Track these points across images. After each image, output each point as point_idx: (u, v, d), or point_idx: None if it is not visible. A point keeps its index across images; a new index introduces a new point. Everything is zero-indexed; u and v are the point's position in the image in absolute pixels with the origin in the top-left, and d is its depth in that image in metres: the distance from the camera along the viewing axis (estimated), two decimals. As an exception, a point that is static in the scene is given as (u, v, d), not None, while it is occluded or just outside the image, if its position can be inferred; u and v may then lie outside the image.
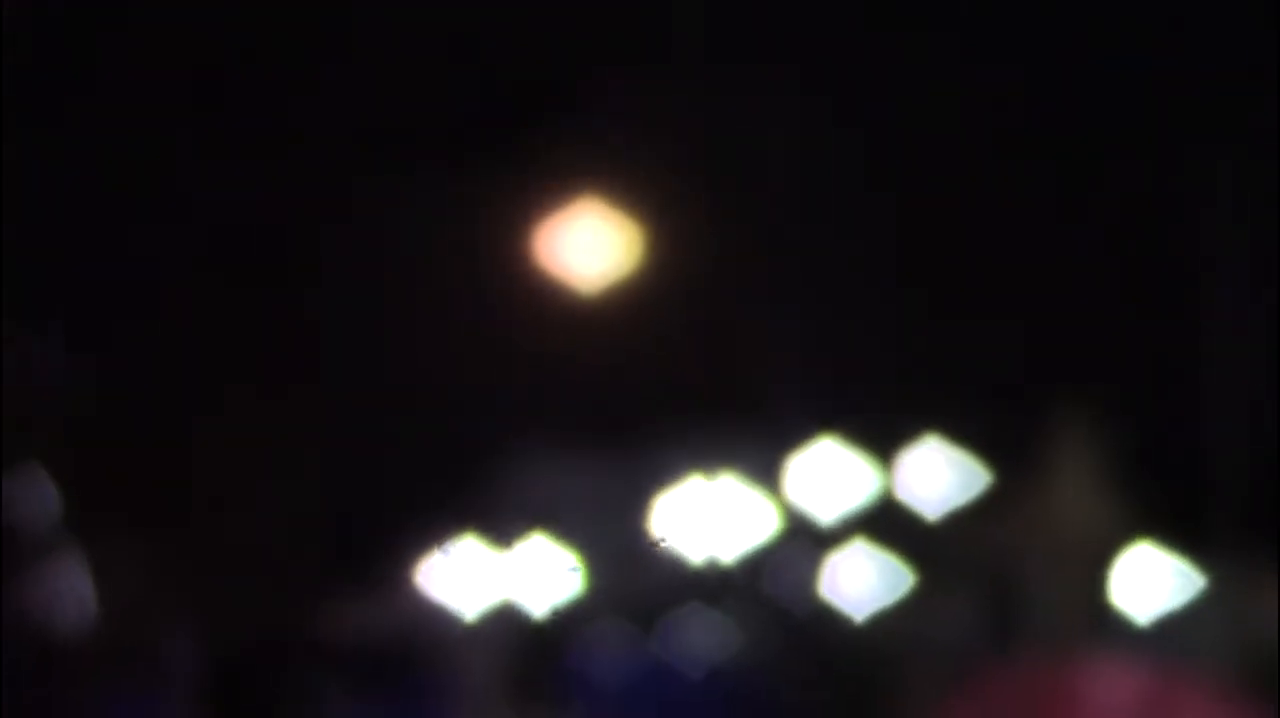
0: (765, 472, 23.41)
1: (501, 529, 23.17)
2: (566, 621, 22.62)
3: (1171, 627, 19.74)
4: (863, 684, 16.97)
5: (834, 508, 23.87)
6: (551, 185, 19.03)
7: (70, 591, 21.78)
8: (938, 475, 24.05)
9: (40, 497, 21.38)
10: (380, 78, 15.44)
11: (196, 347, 21.10)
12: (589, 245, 19.51)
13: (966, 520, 23.62)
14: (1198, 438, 23.20)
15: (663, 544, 23.57)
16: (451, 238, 19.28)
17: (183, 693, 17.87)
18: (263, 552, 20.76)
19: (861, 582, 24.16)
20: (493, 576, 22.79)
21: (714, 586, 23.77)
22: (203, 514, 20.83)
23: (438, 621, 21.69)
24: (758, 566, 24.14)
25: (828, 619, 23.33)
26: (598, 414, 23.97)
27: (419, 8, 15.22)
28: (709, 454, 23.09)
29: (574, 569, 23.44)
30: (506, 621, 21.56)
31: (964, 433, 23.61)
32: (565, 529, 23.81)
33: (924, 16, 21.54)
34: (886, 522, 24.28)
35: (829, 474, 23.66)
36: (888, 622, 23.00)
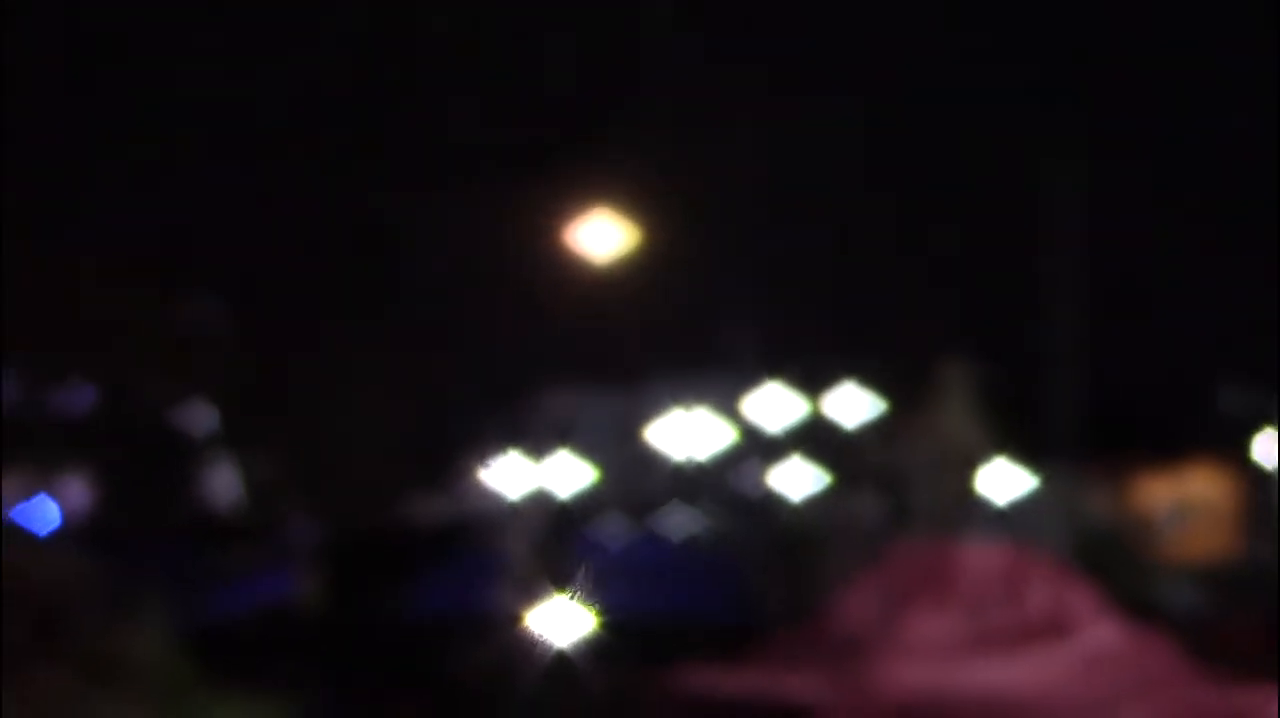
0: (729, 404, 23.67)
1: (537, 443, 23.31)
2: (581, 509, 22.81)
3: (1018, 517, 19.93)
4: (798, 555, 17.26)
5: (778, 429, 24.16)
6: (576, 194, 19.15)
7: (226, 486, 22.05)
8: (854, 407, 24.42)
9: (206, 418, 21.60)
10: (463, 113, 15.52)
11: (325, 308, 21.21)
12: (602, 238, 19.65)
13: (873, 439, 23.96)
14: (1038, 382, 23.66)
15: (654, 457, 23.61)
16: (505, 231, 19.34)
17: (305, 563, 17.99)
18: (365, 458, 20.82)
19: (797, 482, 24.48)
20: (529, 477, 22.92)
21: (690, 484, 24.02)
22: (322, 431, 20.89)
23: (491, 509, 21.80)
24: (722, 470, 24.44)
25: (773, 508, 23.64)
26: (607, 361, 24.23)
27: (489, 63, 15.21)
28: (688, 390, 23.34)
29: (587, 472, 23.67)
30: (539, 509, 21.68)
31: (873, 377, 24.05)
32: (582, 444, 24.06)
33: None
34: (816, 439, 24.60)
35: (775, 406, 23.91)
36: (816, 511, 23.24)
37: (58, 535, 16.90)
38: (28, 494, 18.98)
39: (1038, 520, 20.83)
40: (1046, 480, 22.37)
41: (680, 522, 23.47)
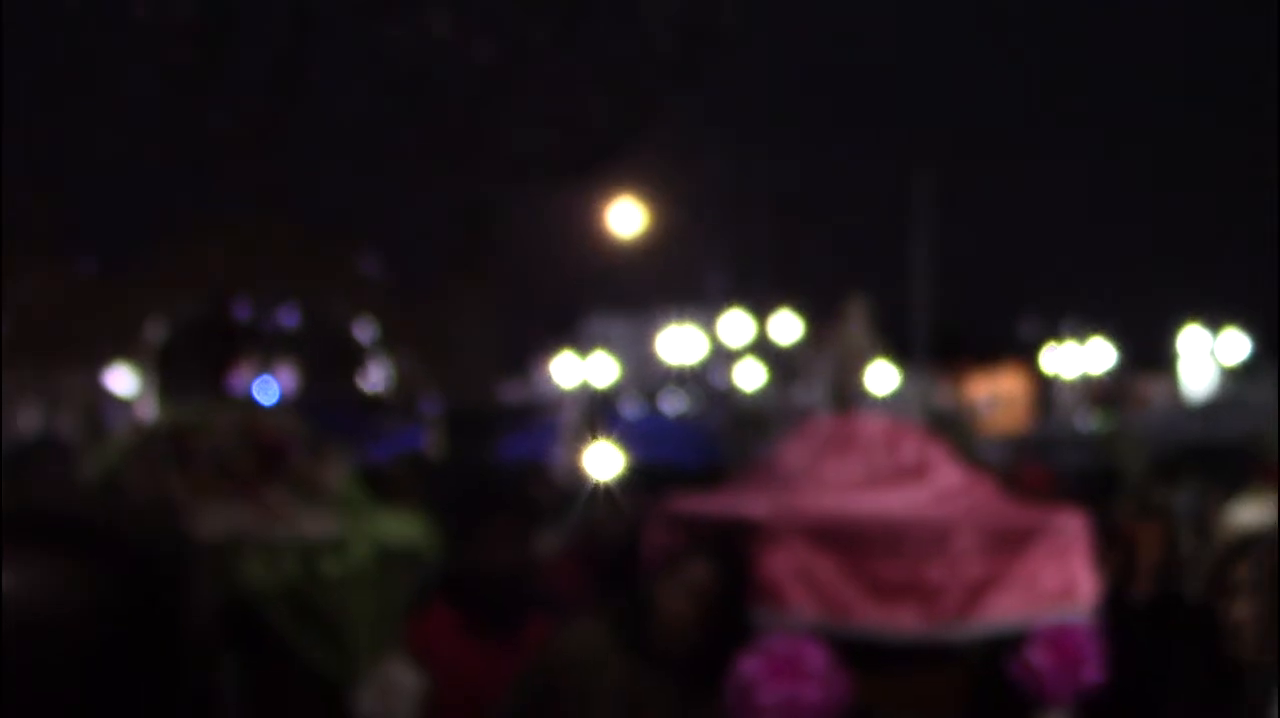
0: (707, 325, 23.68)
1: (581, 346, 23.28)
2: (611, 393, 22.88)
3: (892, 401, 19.80)
4: (756, 425, 17.17)
5: (738, 343, 24.20)
6: (609, 188, 18.96)
7: (381, 375, 22.18)
8: (789, 327, 24.41)
9: (370, 331, 21.74)
10: (534, 131, 15.15)
11: (446, 262, 21.17)
12: (626, 217, 19.45)
13: (804, 349, 23.98)
14: (905, 310, 23.66)
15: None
16: (562, 210, 19.20)
17: (432, 426, 17.97)
18: (471, 358, 20.78)
19: (752, 378, 24.57)
20: (578, 372, 22.83)
21: (681, 378, 24.12)
22: (443, 340, 20.87)
23: (553, 391, 21.80)
24: (702, 369, 24.52)
25: (737, 395, 23.73)
26: (629, 296, 24.26)
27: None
28: (681, 315, 23.31)
29: (614, 369, 23.71)
30: (583, 393, 21.61)
31: (800, 306, 24.02)
32: (611, 350, 24.06)
33: None
34: (763, 350, 24.66)
35: (736, 326, 23.90)
36: (767, 397, 23.34)
37: (277, 404, 16.95)
38: (257, 377, 19.19)
39: (904, 404, 20.89)
40: (908, 377, 22.55)
41: (675, 403, 23.60)
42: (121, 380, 18.84)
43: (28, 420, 15.96)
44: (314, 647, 3.01)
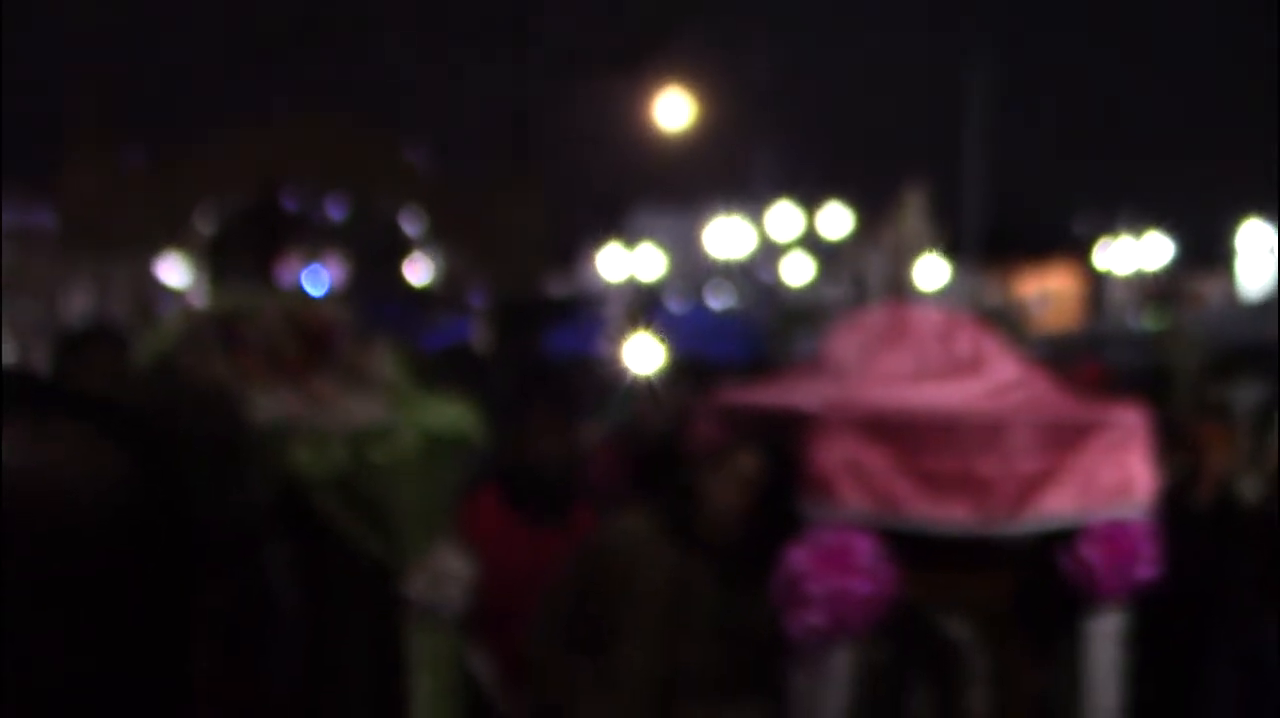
0: (755, 217, 23.50)
1: (628, 239, 23.21)
2: (657, 287, 22.84)
3: (943, 295, 19.61)
4: (804, 320, 17.04)
5: (786, 237, 24.03)
6: (657, 81, 18.75)
7: (430, 266, 22.25)
8: (838, 220, 24.19)
9: (418, 222, 21.74)
10: (584, 25, 15.02)
11: (493, 153, 21.10)
12: (673, 109, 19.23)
13: (849, 246, 23.79)
14: (959, 205, 23.31)
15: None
16: (611, 105, 19.07)
17: (480, 318, 18.02)
18: (519, 250, 20.81)
19: (800, 272, 24.44)
20: (625, 265, 22.80)
21: (728, 271, 24.01)
22: (491, 232, 20.88)
23: (600, 285, 21.82)
24: (750, 264, 24.41)
25: (784, 290, 23.63)
26: (677, 189, 24.07)
27: None
28: (728, 208, 23.15)
29: (661, 262, 23.64)
30: (629, 286, 21.61)
31: (851, 199, 23.78)
32: (660, 242, 23.97)
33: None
34: (811, 245, 24.46)
35: (787, 222, 23.72)
36: (812, 292, 23.20)
37: (325, 294, 17.07)
38: (306, 267, 19.34)
39: (954, 300, 20.70)
40: (958, 273, 22.28)
41: (722, 297, 23.50)
42: (173, 270, 18.99)
43: (80, 308, 16.16)
44: (364, 533, 3.04)
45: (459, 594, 3.07)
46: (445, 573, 3.07)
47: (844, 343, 3.49)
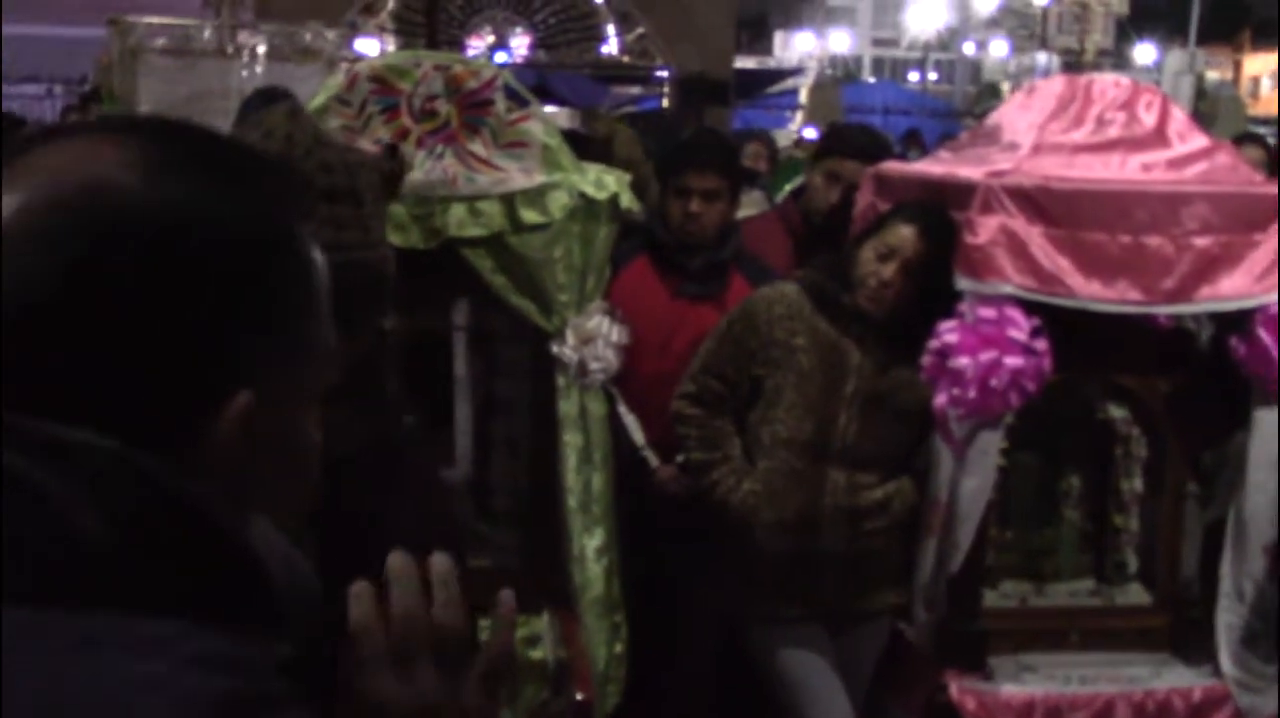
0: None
1: (823, 11, 22.37)
2: (851, 63, 22.06)
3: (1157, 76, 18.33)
4: (998, 95, 16.30)
5: (986, 9, 22.70)
6: None
7: (610, 43, 21.81)
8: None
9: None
10: None
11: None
12: None
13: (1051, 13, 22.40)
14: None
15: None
16: None
17: (669, 90, 17.83)
18: (707, 23, 20.17)
19: (998, 47, 23.11)
20: (816, 39, 22.07)
21: (927, 47, 22.96)
22: (678, 9, 20.21)
23: (791, 60, 21.16)
24: (948, 39, 23.23)
25: (983, 65, 22.45)
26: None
27: None
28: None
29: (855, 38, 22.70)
30: (822, 62, 20.90)
31: None
32: (856, 19, 23.04)
33: None
34: (1012, 19, 23.08)
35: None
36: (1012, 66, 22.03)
37: (509, 65, 17.09)
38: (492, 40, 19.19)
39: (1173, 78, 19.53)
40: (1180, 49, 20.79)
41: (918, 74, 22.49)
42: (368, 44, 19.12)
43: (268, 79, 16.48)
44: (517, 293, 3.09)
45: (609, 354, 3.12)
46: (596, 333, 3.12)
47: (1020, 112, 3.33)
